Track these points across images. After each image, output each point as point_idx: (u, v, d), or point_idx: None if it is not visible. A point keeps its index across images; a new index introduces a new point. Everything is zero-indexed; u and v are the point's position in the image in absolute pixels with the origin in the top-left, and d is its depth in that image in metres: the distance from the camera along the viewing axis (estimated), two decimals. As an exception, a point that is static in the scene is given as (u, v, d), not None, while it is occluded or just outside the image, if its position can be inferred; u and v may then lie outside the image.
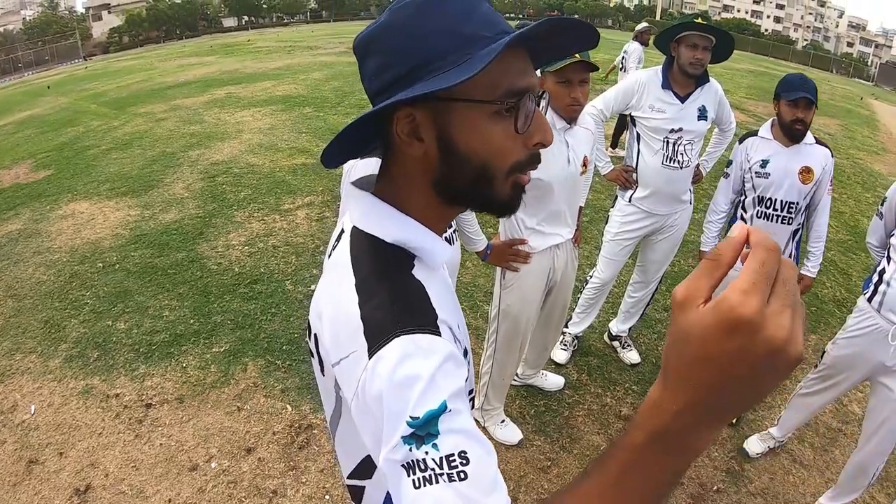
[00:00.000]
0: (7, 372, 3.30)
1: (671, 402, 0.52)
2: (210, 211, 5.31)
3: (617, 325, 3.68)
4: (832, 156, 2.79)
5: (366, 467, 0.99)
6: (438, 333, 0.77)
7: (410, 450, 0.66)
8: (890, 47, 65.55)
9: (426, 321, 0.77)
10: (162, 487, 2.59)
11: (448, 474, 0.65)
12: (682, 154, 2.99)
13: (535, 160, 0.84)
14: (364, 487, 1.03)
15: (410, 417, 0.68)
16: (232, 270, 4.34)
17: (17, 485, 2.61)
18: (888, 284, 2.38)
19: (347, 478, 1.05)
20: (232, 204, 5.48)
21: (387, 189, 0.88)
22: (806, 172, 2.72)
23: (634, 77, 3.03)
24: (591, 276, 3.49)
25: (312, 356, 0.95)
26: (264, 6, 56.22)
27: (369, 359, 0.73)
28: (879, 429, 2.47)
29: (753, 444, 3.05)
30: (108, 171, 6.30)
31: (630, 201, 3.19)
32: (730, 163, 2.98)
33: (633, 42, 7.39)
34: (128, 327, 3.62)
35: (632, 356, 3.60)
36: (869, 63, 59.33)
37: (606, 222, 3.37)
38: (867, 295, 2.48)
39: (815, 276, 2.91)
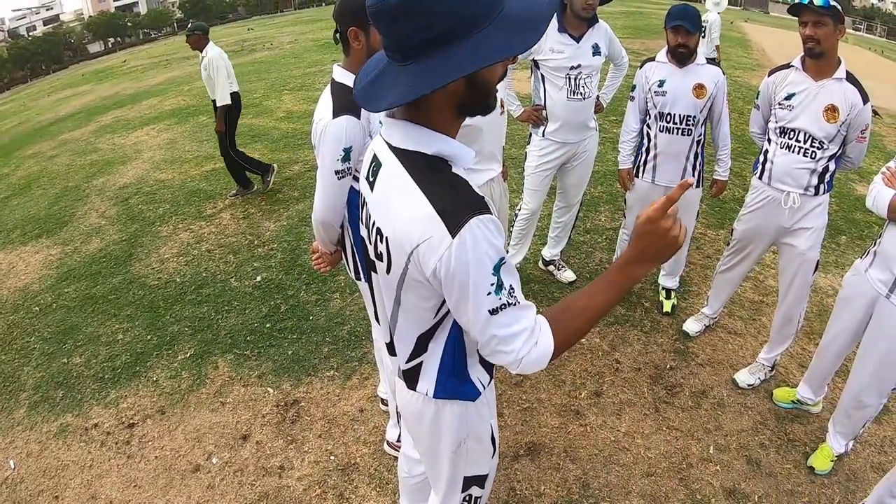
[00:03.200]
0: (-30, 436, 3.00)
1: (630, 252, 1.10)
2: (133, 232, 4.95)
3: (549, 251, 3.83)
4: (723, 73, 2.98)
5: (422, 343, 1.25)
6: (490, 212, 1.02)
7: (499, 297, 1.04)
8: (754, -28, 67.24)
9: (483, 205, 1.01)
10: (171, 496, 2.47)
11: (511, 303, 1.05)
12: (583, 87, 3.14)
13: (506, 72, 1.20)
14: (421, 363, 1.29)
15: (493, 269, 1.02)
16: (174, 282, 4.10)
17: (20, 537, 2.41)
18: (772, 162, 2.63)
19: (405, 363, 1.30)
20: (153, 221, 5.13)
21: (417, 116, 1.08)
22: (699, 89, 2.92)
23: None
24: (519, 209, 3.59)
25: (379, 260, 1.17)
26: (129, 24, 51.89)
27: (453, 238, 0.98)
28: (793, 280, 2.72)
29: (691, 325, 3.29)
30: (13, 218, 5.71)
31: (544, 136, 3.31)
32: (633, 87, 3.14)
33: (712, 12, 7.83)
34: (85, 360, 3.36)
35: (568, 275, 3.78)
36: (735, -12, 61.21)
37: (525, 159, 3.46)
38: (757, 174, 2.72)
39: (726, 178, 3.11)
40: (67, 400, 3.07)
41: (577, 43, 3.05)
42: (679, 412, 2.76)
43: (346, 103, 1.85)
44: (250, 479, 2.51)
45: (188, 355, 3.30)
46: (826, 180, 2.54)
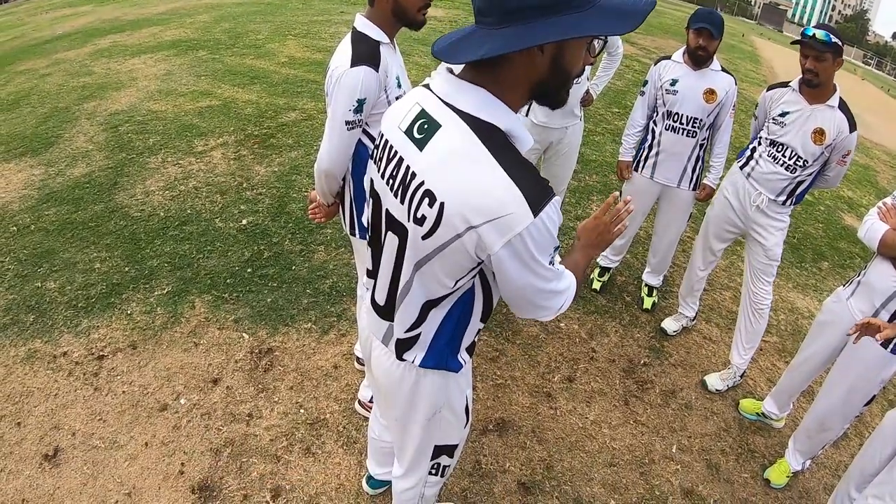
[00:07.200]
0: (-65, 351, 2.83)
1: (580, 243, 1.34)
2: (120, 160, 4.69)
3: None
4: (735, 83, 2.88)
5: (425, 311, 1.20)
6: (556, 193, 1.02)
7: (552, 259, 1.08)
8: (773, -13, 65.97)
9: (551, 188, 1.01)
10: (135, 433, 2.36)
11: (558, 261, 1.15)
12: None
13: (583, 69, 1.09)
14: (419, 334, 1.24)
15: (555, 247, 1.07)
16: (157, 215, 3.89)
17: (-21, 463, 2.27)
18: (756, 161, 2.67)
19: (404, 332, 1.25)
20: (142, 151, 4.87)
21: (492, 86, 1.01)
22: (710, 94, 2.84)
23: None
24: None
25: (418, 224, 1.07)
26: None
27: (535, 216, 0.97)
28: (754, 273, 2.76)
29: (669, 324, 3.27)
30: (-2, 133, 5.40)
31: (527, 114, 3.16)
32: (645, 83, 3.04)
33: None
34: (59, 285, 3.18)
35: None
36: (753, 3, 60.04)
37: None
38: (740, 164, 2.75)
39: (715, 185, 3.05)
40: (38, 325, 2.90)
41: None
42: (647, 408, 2.72)
43: (364, 53, 1.76)
44: (217, 423, 2.40)
45: (165, 291, 3.14)
46: (797, 193, 2.60)
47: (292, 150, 4.96)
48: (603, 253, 3.46)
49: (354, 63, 1.73)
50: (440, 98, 1.06)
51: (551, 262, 1.08)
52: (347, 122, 1.77)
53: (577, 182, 4.83)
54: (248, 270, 3.34)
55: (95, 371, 2.64)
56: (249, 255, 3.48)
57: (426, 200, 1.04)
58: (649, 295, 3.44)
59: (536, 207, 0.96)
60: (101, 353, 2.73)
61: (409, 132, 1.09)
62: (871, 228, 2.10)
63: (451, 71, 1.07)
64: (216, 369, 2.65)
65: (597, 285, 3.49)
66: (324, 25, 10.35)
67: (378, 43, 1.79)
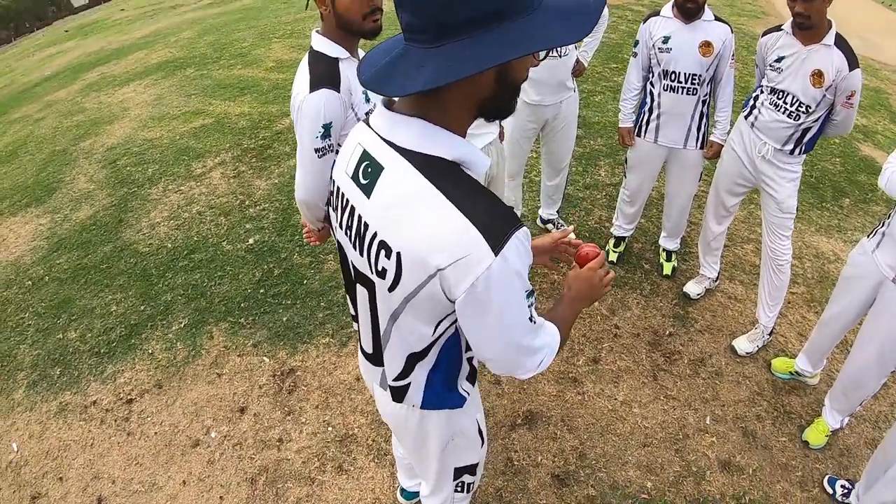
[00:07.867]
0: (-28, 417, 2.90)
1: (570, 294, 1.19)
2: (122, 196, 4.72)
3: (545, 211, 3.66)
4: (731, 31, 2.73)
5: (411, 363, 1.14)
6: (523, 223, 0.92)
7: (531, 303, 0.97)
8: None
9: (516, 217, 0.91)
10: (172, 472, 2.40)
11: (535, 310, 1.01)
12: None
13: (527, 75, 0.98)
14: (409, 384, 1.19)
15: (527, 291, 0.95)
16: (165, 248, 3.92)
17: (27, 523, 2.33)
18: (759, 111, 2.57)
19: (393, 380, 1.20)
20: (142, 183, 4.89)
21: (433, 113, 0.92)
22: (705, 46, 2.69)
23: None
24: None
25: (381, 277, 0.99)
26: (109, -24, 49.26)
27: (496, 256, 0.86)
28: (772, 228, 2.68)
29: (692, 287, 3.18)
30: (1, 188, 5.47)
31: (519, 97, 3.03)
32: (636, 43, 2.90)
33: None
34: (80, 334, 3.23)
35: None
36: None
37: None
38: (744, 114, 2.65)
39: (723, 142, 2.91)
40: (65, 377, 2.96)
41: None
42: (677, 380, 2.66)
43: (323, 75, 1.67)
44: (249, 452, 2.43)
45: (182, 325, 3.17)
46: (805, 142, 2.48)
47: (290, 159, 4.93)
48: (616, 222, 3.38)
49: (313, 87, 1.65)
50: (379, 135, 0.97)
51: (531, 319, 0.97)
52: (317, 150, 1.71)
53: (581, 148, 4.71)
54: (261, 291, 3.35)
55: (126, 416, 2.68)
56: (260, 276, 3.49)
57: (383, 252, 0.97)
58: (668, 260, 3.34)
59: (497, 244, 0.86)
60: (129, 397, 2.77)
61: (355, 177, 1.02)
62: (893, 177, 1.98)
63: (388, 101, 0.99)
64: (241, 398, 2.68)
65: (613, 256, 3.41)
66: (308, 22, 10.18)
67: (336, 60, 1.71)
